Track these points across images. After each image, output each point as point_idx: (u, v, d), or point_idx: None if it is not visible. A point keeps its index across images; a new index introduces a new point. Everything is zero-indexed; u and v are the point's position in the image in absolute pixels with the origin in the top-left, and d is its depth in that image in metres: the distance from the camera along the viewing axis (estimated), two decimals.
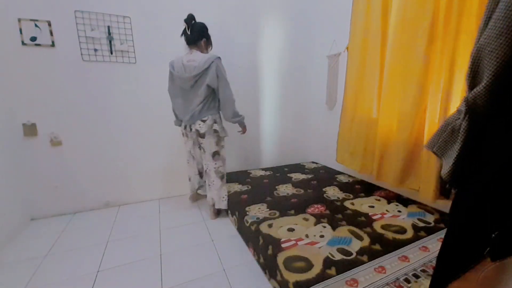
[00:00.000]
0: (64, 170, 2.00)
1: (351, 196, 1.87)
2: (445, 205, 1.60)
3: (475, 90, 0.53)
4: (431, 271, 1.10)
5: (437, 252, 1.23)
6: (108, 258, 1.50)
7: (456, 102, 1.41)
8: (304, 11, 2.70)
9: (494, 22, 0.48)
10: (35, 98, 1.84)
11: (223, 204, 1.91)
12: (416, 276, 1.08)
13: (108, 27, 1.95)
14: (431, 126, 1.58)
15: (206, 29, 1.84)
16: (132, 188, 2.26)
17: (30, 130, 1.86)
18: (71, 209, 2.07)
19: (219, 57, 1.74)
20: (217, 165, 1.87)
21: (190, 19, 1.76)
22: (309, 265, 1.12)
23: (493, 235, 0.53)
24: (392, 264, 1.15)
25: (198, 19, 2.23)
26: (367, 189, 2.01)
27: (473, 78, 0.55)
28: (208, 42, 1.87)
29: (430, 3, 1.47)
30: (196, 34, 1.77)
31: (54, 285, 1.29)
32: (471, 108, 0.55)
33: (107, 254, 1.54)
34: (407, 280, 1.06)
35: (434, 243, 1.30)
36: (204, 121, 1.79)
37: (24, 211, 1.89)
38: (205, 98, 1.76)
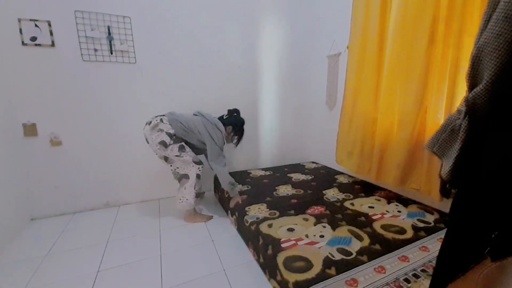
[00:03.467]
0: (64, 170, 2.00)
1: (351, 196, 1.87)
2: (445, 205, 1.60)
3: (475, 90, 0.53)
4: (431, 271, 1.10)
5: (437, 252, 1.23)
6: (108, 258, 1.51)
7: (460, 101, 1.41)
8: (304, 11, 2.70)
9: (494, 22, 0.48)
10: (35, 98, 1.84)
11: (180, 205, 1.87)
12: (416, 276, 1.08)
13: (108, 27, 1.95)
14: (432, 126, 1.58)
15: (238, 123, 2.04)
16: (132, 188, 2.26)
17: (30, 130, 1.86)
18: (71, 209, 2.07)
19: (210, 123, 1.88)
20: (173, 167, 1.87)
21: (229, 112, 2.08)
22: (309, 265, 1.12)
23: (493, 235, 0.53)
24: (392, 264, 1.15)
25: (197, 19, 2.24)
26: (367, 189, 2.00)
27: (473, 78, 0.55)
28: (233, 131, 2.03)
29: (431, 2, 1.46)
30: (227, 120, 2.02)
31: (54, 285, 1.29)
32: (471, 108, 0.55)
33: (107, 254, 1.54)
34: (407, 280, 1.06)
35: (434, 243, 1.30)
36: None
37: (24, 211, 1.89)
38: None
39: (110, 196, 2.19)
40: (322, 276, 1.05)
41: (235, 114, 2.08)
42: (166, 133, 1.74)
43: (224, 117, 2.04)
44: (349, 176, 2.35)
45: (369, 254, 1.20)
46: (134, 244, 1.65)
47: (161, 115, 1.82)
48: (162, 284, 1.29)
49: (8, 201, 1.71)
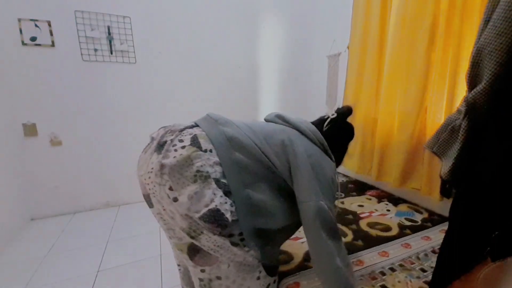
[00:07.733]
0: (64, 170, 2.00)
1: (342, 195, 1.88)
2: (439, 205, 1.61)
3: (475, 90, 0.53)
4: (408, 266, 1.11)
5: (418, 249, 1.24)
6: (108, 258, 1.50)
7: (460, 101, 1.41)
8: (304, 11, 2.69)
9: (493, 22, 0.48)
10: (35, 98, 1.84)
11: None
12: (392, 269, 1.09)
13: (108, 27, 1.95)
14: (432, 126, 1.58)
15: (349, 136, 1.23)
16: (132, 188, 2.25)
17: (30, 130, 1.86)
18: (71, 209, 2.07)
19: (313, 144, 0.88)
20: (205, 276, 0.73)
21: (335, 119, 1.04)
22: (289, 258, 1.15)
23: (493, 235, 0.53)
24: (371, 258, 1.16)
25: (197, 19, 2.24)
26: (360, 188, 2.01)
27: (473, 78, 0.55)
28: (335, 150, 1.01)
29: (431, 2, 1.46)
30: (329, 133, 1.00)
31: (54, 285, 1.29)
32: (471, 108, 0.55)
33: (107, 254, 1.54)
34: (383, 273, 1.07)
35: (417, 241, 1.30)
36: None
37: (24, 211, 1.89)
38: None
39: (110, 196, 2.19)
40: (300, 268, 1.08)
41: (342, 115, 1.05)
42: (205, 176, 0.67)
43: (324, 128, 0.99)
44: (344, 175, 2.36)
45: (350, 249, 1.22)
46: (134, 244, 1.65)
47: (188, 126, 0.78)
48: (162, 284, 1.29)
49: (8, 201, 1.71)
